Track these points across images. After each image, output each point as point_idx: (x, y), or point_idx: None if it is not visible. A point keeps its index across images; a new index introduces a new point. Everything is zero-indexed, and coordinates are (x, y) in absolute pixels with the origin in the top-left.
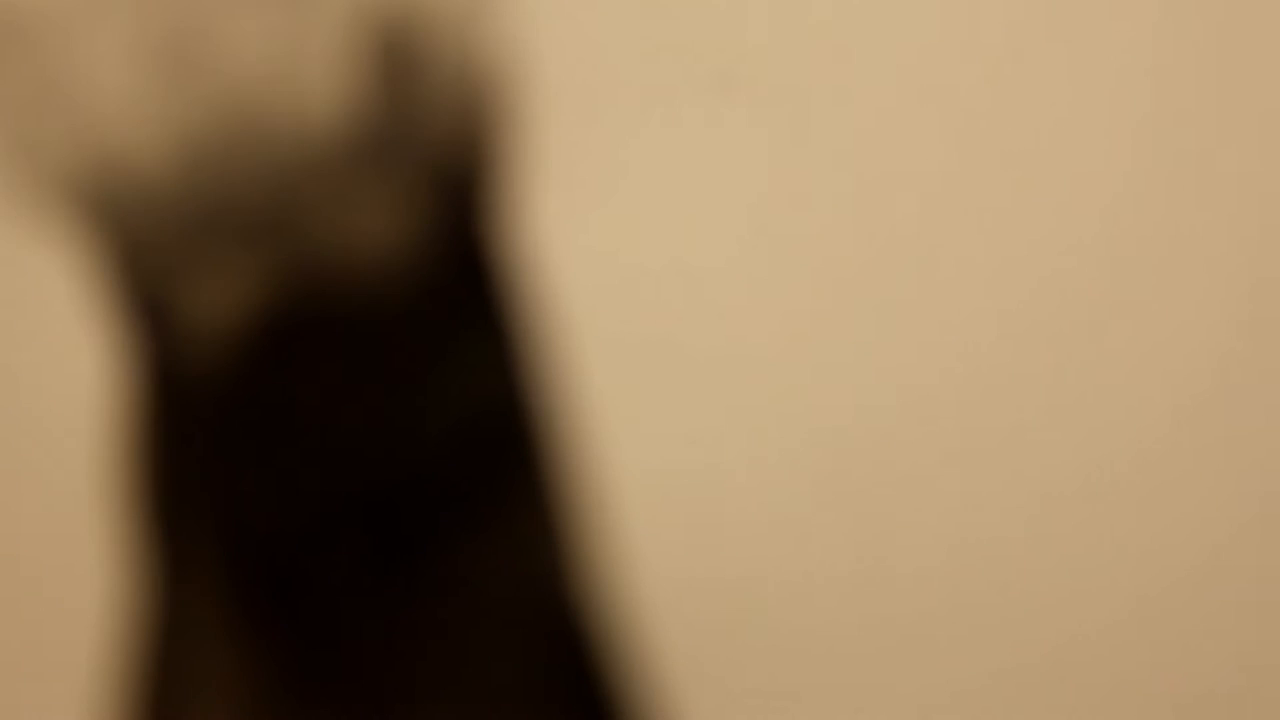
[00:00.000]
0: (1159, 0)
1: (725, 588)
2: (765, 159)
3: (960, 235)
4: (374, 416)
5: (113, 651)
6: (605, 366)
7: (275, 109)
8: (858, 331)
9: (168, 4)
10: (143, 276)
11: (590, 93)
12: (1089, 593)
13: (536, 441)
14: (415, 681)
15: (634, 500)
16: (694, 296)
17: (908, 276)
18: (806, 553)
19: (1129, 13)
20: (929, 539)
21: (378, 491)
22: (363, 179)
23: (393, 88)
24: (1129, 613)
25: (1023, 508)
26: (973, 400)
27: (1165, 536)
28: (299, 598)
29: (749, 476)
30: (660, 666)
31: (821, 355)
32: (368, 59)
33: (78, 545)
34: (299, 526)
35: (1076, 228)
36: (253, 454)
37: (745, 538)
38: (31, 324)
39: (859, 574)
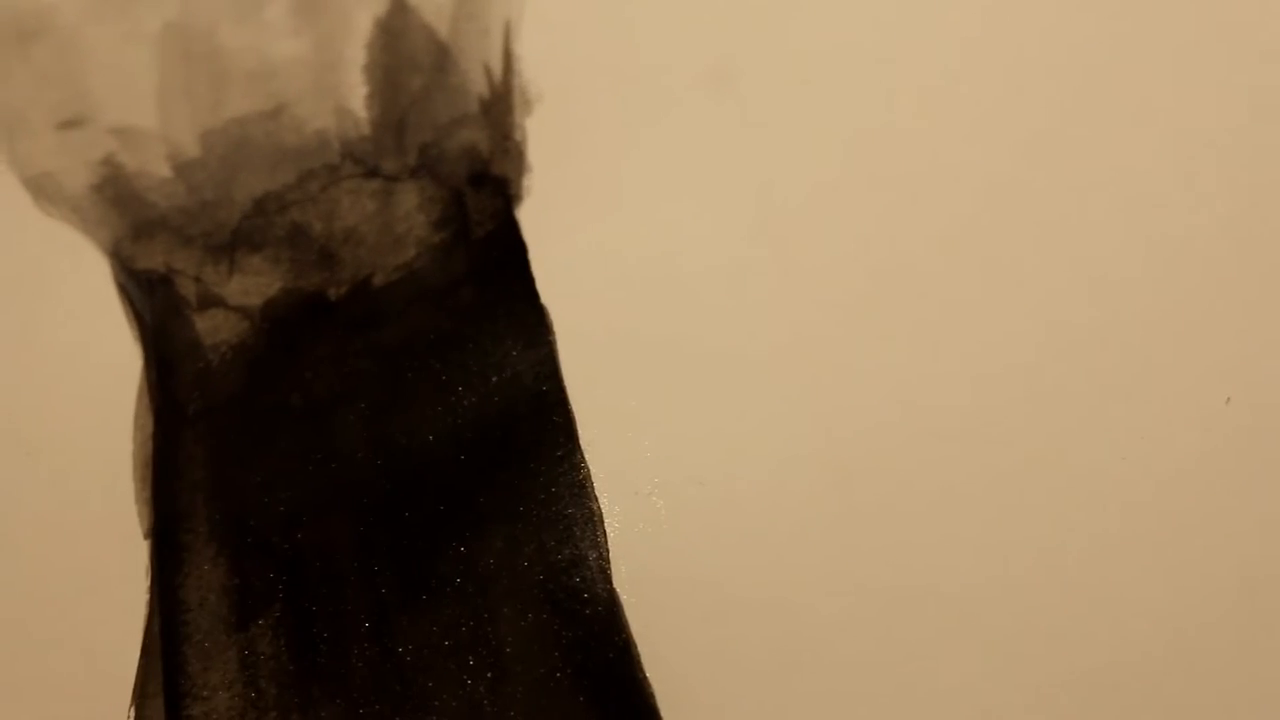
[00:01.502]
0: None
1: (731, 593)
2: (763, 158)
3: (963, 234)
4: (382, 415)
5: (122, 644)
6: (611, 365)
7: (292, 108)
8: (857, 331)
9: (187, 5)
10: (156, 272)
11: (589, 92)
12: (1101, 609)
13: (540, 441)
14: (417, 676)
15: (641, 503)
16: (699, 295)
17: (909, 276)
18: (815, 560)
19: (1133, 13)
20: (939, 550)
21: (386, 486)
22: (376, 178)
23: (407, 87)
24: (1144, 629)
25: (1031, 517)
26: (977, 404)
27: (1182, 560)
28: (307, 590)
29: (758, 480)
30: (662, 669)
31: (820, 354)
32: (383, 59)
33: (89, 539)
34: (309, 520)
35: (1088, 228)
36: (262, 450)
37: (754, 543)
38: (46, 319)
39: (868, 584)
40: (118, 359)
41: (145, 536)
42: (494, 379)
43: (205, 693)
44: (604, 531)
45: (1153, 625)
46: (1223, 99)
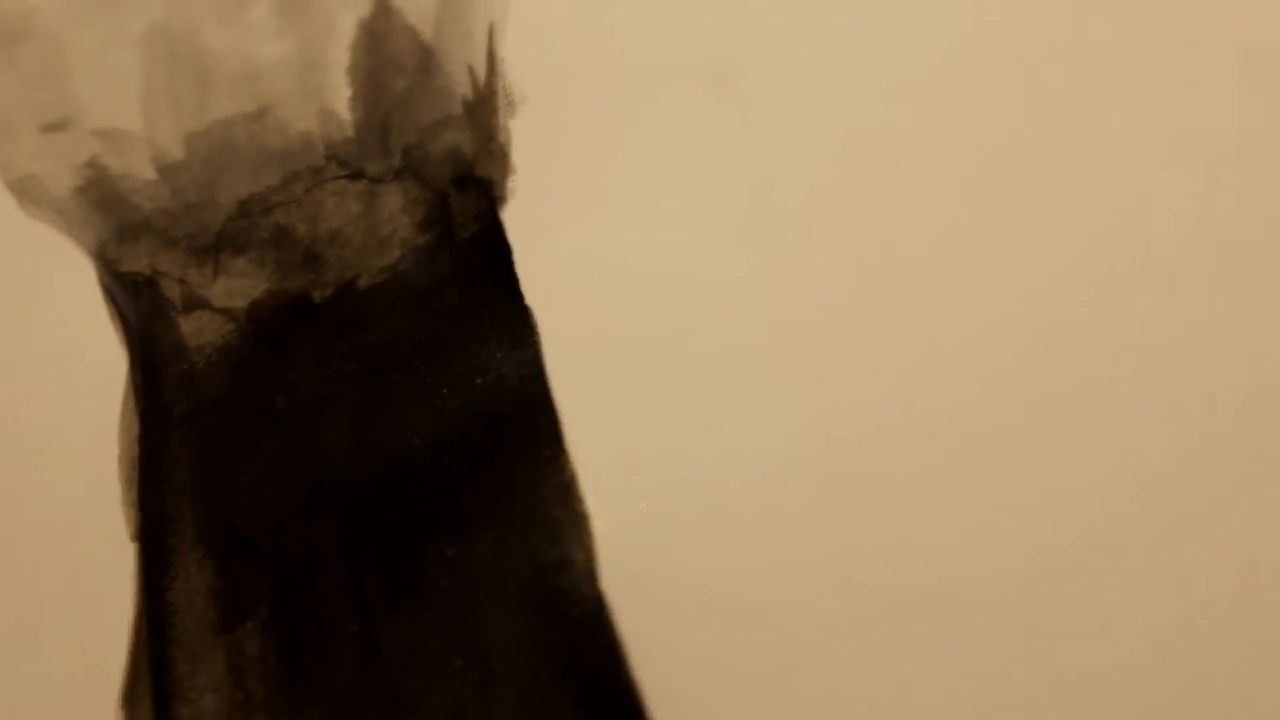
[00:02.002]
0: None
1: (720, 594)
2: (756, 158)
3: (961, 235)
4: (367, 417)
5: (109, 647)
6: (596, 367)
7: (276, 110)
8: (855, 333)
9: (171, 6)
10: (141, 275)
11: (574, 93)
12: (1097, 610)
13: (526, 443)
14: (404, 678)
15: (627, 505)
16: (686, 297)
17: (906, 277)
18: (804, 561)
19: (1131, 11)
20: (929, 550)
21: (372, 489)
22: (360, 180)
23: (390, 89)
24: (1143, 631)
25: (1029, 519)
26: (973, 406)
27: (1177, 557)
28: (293, 592)
29: (746, 481)
30: (650, 670)
31: (817, 357)
32: (367, 61)
33: (76, 542)
34: (295, 522)
35: (1083, 228)
36: (247, 452)
37: (742, 544)
38: (30, 322)
39: (856, 584)
40: (103, 361)
41: (132, 539)
42: (479, 380)
43: (193, 695)
44: (591, 533)
45: (1151, 624)
46: (1214, 101)
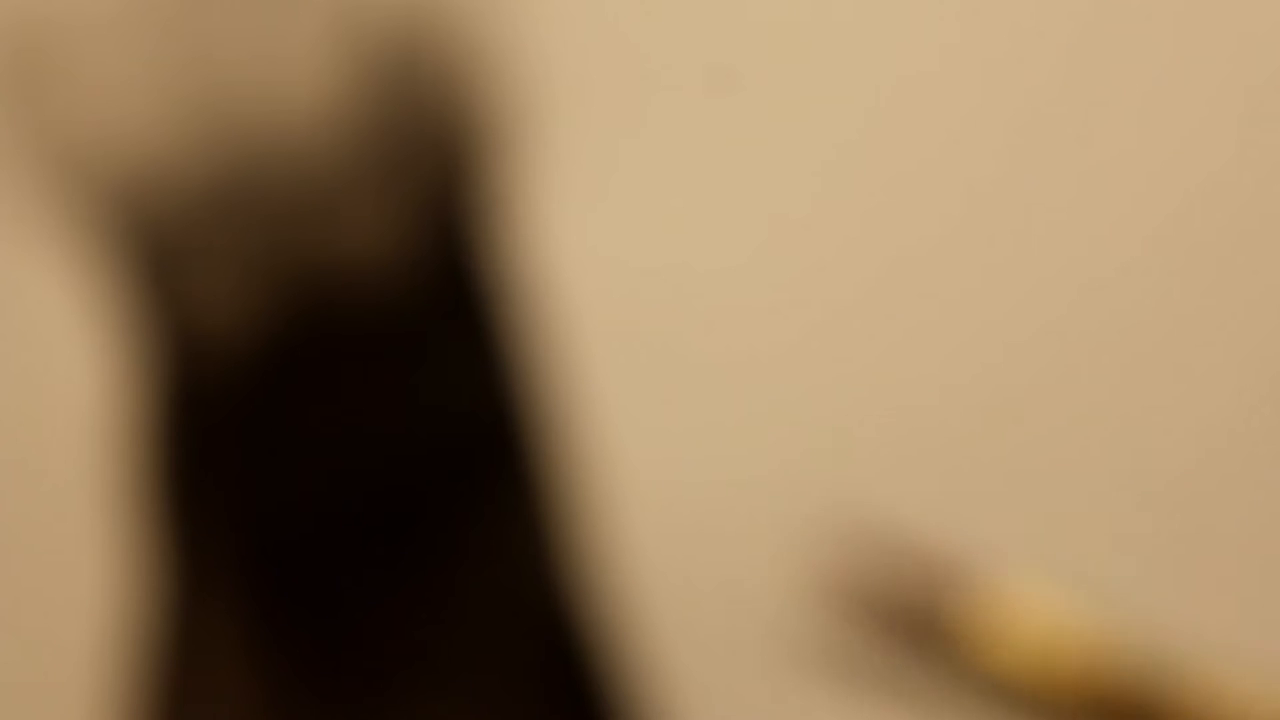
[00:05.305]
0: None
1: (731, 596)
2: (768, 157)
3: (970, 236)
4: (370, 422)
5: (126, 664)
6: (607, 370)
7: (275, 127)
8: (865, 335)
9: (167, 31)
10: (155, 294)
11: (589, 92)
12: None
13: (533, 446)
14: (424, 685)
15: (638, 506)
16: (695, 298)
17: (917, 278)
18: (811, 563)
19: (1139, 13)
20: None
21: (383, 498)
22: (361, 192)
23: (390, 98)
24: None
25: (1041, 522)
26: (988, 406)
27: (1188, 555)
28: (311, 605)
29: (758, 483)
30: (658, 673)
31: (828, 359)
32: (364, 71)
33: (91, 557)
34: (308, 535)
35: (1087, 228)
36: (251, 456)
37: (753, 546)
38: (45, 339)
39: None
40: (119, 379)
41: (135, 540)
42: (481, 381)
43: (190, 690)
44: (593, 534)
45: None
46: (1216, 96)
